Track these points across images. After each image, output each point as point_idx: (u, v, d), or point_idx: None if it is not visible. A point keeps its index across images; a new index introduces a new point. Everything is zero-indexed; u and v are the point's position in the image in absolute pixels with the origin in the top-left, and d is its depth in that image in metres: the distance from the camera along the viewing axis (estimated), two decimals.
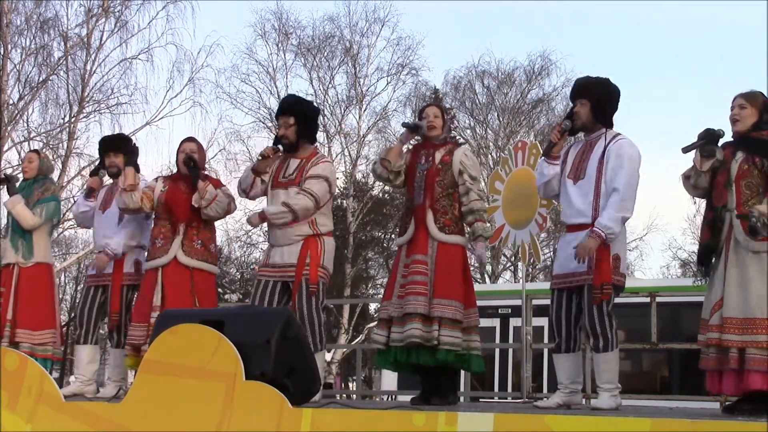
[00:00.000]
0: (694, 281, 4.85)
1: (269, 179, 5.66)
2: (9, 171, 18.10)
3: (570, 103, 5.30)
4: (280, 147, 5.67)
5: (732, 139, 4.75)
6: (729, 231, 4.61)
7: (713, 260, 4.72)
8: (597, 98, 5.07)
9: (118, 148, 6.37)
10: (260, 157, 5.65)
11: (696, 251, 4.88)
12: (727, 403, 5.23)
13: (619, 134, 5.08)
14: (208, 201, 5.81)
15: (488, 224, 5.62)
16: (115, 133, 6.90)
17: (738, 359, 4.43)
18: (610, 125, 5.11)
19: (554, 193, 5.28)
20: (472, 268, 5.42)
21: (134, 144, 6.56)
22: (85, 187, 6.32)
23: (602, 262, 4.84)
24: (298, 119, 5.66)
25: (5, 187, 6.66)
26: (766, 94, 4.79)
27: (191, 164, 5.89)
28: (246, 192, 5.72)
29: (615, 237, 4.84)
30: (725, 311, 4.51)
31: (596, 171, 4.98)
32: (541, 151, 5.20)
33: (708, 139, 4.67)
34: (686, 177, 4.81)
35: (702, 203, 4.91)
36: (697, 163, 4.69)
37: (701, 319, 4.70)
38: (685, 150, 4.71)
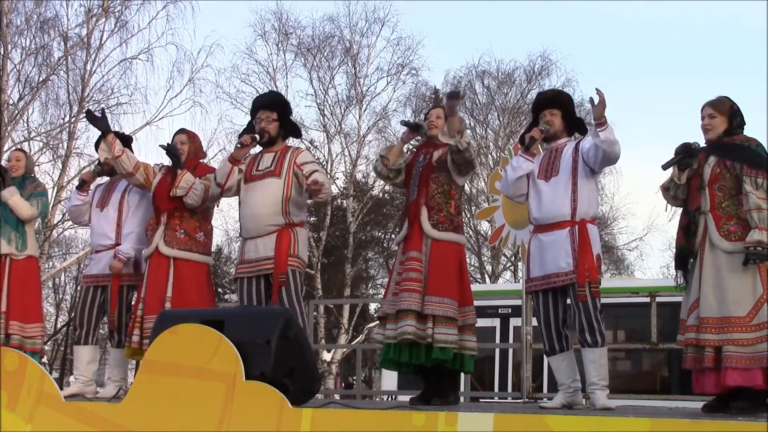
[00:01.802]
0: (676, 285, 4.93)
1: (242, 176, 5.70)
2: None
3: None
4: (257, 136, 5.71)
5: (705, 146, 4.86)
6: (704, 233, 4.72)
7: (690, 263, 4.83)
8: (566, 108, 5.33)
9: None
10: (239, 145, 5.71)
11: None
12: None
13: (583, 138, 5.33)
14: (184, 189, 5.83)
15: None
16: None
17: (714, 358, 4.53)
18: (574, 132, 5.36)
19: (522, 192, 5.34)
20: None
21: (127, 137, 6.61)
22: (78, 179, 6.40)
23: (587, 262, 4.97)
24: (281, 116, 5.76)
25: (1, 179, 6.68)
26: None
27: (167, 151, 5.92)
28: (221, 185, 5.72)
29: (610, 139, 4.92)
30: (702, 311, 4.61)
31: (570, 167, 5.11)
32: (527, 147, 5.31)
33: (685, 153, 4.79)
34: (665, 188, 4.94)
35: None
36: (675, 176, 4.82)
37: (681, 320, 4.80)
38: (665, 167, 4.85)
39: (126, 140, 6.60)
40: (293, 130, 5.96)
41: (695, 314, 4.65)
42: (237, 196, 5.81)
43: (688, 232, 4.77)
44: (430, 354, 5.15)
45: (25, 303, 6.59)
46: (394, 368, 5.53)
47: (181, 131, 6.20)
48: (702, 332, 4.57)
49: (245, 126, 5.97)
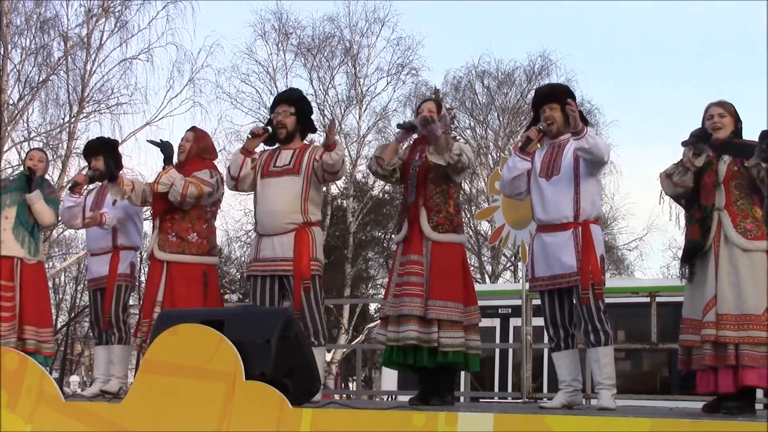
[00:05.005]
0: (682, 281, 4.90)
1: (258, 170, 5.60)
2: (9, 171, 18.09)
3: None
4: (269, 128, 5.64)
5: (713, 145, 4.83)
6: (718, 230, 4.71)
7: (695, 260, 4.80)
8: (565, 101, 5.18)
9: (98, 152, 6.40)
10: (250, 136, 5.63)
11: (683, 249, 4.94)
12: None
13: None
14: (165, 186, 5.75)
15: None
16: (97, 137, 6.95)
17: (735, 355, 4.51)
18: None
19: (519, 191, 5.31)
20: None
21: (115, 142, 6.63)
22: (70, 181, 6.41)
23: (591, 264, 4.95)
24: (299, 110, 5.64)
25: (27, 180, 6.64)
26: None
27: (158, 147, 5.88)
28: (235, 177, 5.61)
29: (593, 144, 4.90)
30: (720, 308, 4.58)
31: (572, 167, 5.07)
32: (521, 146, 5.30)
33: (702, 137, 4.77)
34: (668, 175, 4.89)
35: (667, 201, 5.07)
36: (689, 159, 4.77)
37: (687, 319, 4.78)
38: (685, 143, 4.80)
39: (104, 145, 6.54)
40: (310, 126, 5.78)
41: (714, 311, 4.60)
42: (253, 192, 5.70)
43: (703, 226, 4.74)
44: (435, 356, 5.15)
45: (39, 308, 6.58)
46: (396, 367, 5.54)
47: (191, 129, 6.13)
48: (722, 329, 4.54)
49: (265, 123, 5.84)
